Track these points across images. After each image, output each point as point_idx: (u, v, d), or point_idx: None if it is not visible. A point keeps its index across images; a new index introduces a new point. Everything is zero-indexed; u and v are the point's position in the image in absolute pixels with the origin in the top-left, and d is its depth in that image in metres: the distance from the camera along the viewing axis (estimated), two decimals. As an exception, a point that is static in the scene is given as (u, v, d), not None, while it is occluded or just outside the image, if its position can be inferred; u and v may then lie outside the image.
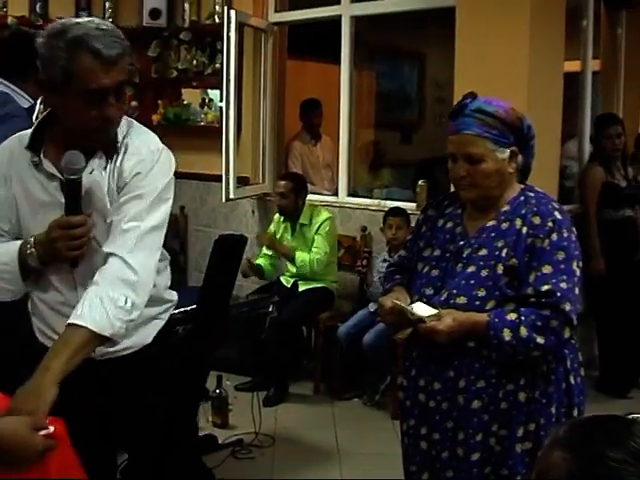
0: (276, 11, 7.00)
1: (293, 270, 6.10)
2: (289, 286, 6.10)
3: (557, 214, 2.60)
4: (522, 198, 2.66)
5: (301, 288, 6.05)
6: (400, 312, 2.63)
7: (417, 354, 2.75)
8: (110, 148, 2.39)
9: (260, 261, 6.15)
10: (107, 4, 7.33)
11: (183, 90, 7.54)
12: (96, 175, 2.38)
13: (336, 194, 6.79)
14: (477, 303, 2.57)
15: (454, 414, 2.63)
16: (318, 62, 8.87)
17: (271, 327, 5.66)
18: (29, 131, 2.48)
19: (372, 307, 5.63)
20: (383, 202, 6.37)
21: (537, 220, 2.58)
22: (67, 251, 2.33)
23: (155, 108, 7.45)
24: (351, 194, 6.72)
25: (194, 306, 3.68)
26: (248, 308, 5.28)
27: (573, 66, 6.39)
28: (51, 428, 1.95)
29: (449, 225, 2.76)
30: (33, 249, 2.35)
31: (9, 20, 6.46)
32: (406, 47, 9.85)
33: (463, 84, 5.23)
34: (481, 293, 2.57)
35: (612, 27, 7.04)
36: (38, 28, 6.31)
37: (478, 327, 2.53)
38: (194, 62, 7.26)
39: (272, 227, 6.29)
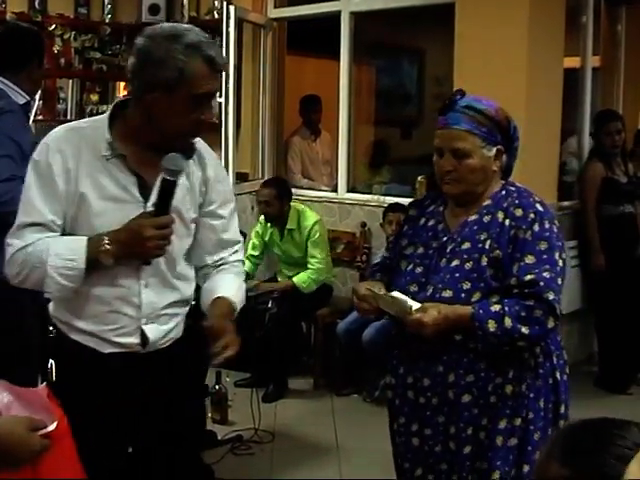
0: (275, 7, 7.00)
1: (288, 272, 6.10)
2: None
3: (538, 206, 2.61)
4: (503, 192, 2.69)
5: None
6: (375, 298, 2.66)
7: (405, 352, 2.75)
8: (188, 150, 2.49)
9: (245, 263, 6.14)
10: (106, 0, 7.33)
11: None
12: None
13: (335, 190, 6.79)
14: (463, 296, 2.57)
15: (445, 409, 2.64)
16: (317, 58, 8.86)
17: (270, 323, 5.66)
18: (91, 123, 2.51)
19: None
20: (382, 198, 6.37)
21: (519, 212, 2.59)
22: (156, 250, 2.40)
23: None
24: (350, 190, 6.72)
25: (193, 302, 3.67)
26: (247, 304, 5.26)
27: (573, 62, 6.39)
28: (49, 427, 1.93)
29: (431, 223, 2.77)
30: (109, 246, 2.35)
31: (8, 16, 6.46)
32: (405, 43, 9.82)
33: (462, 80, 5.24)
34: (466, 286, 2.58)
35: (612, 23, 7.04)
36: (37, 24, 6.34)
37: (463, 319, 2.53)
38: (193, 58, 7.25)
39: (258, 229, 6.26)
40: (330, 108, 7.14)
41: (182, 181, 2.46)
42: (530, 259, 2.53)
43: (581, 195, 6.09)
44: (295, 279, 5.94)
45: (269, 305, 5.67)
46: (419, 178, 6.05)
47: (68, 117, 7.16)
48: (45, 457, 1.91)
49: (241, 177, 6.68)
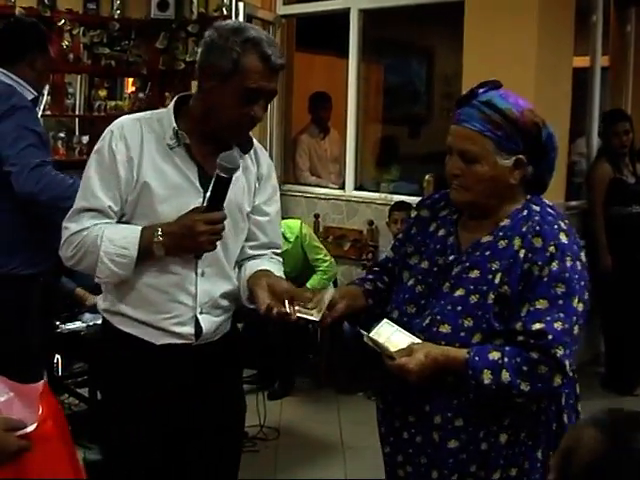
0: (284, 4, 7.00)
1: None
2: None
3: (562, 237, 2.21)
4: (525, 212, 2.29)
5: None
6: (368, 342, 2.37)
7: (393, 379, 2.35)
8: (244, 144, 2.55)
9: None
10: (115, -5, 7.35)
11: (191, 82, 7.53)
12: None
13: (343, 188, 6.78)
14: (462, 334, 2.22)
15: (428, 451, 2.31)
16: (326, 56, 8.86)
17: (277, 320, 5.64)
18: (155, 114, 2.57)
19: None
20: (390, 196, 6.36)
21: (538, 242, 2.20)
22: (208, 245, 2.43)
23: (163, 100, 7.43)
24: (358, 188, 6.72)
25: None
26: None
27: (582, 62, 6.38)
28: (29, 428, 1.88)
29: (441, 233, 2.41)
30: (162, 238, 2.40)
31: (17, 11, 6.46)
32: (414, 41, 9.82)
33: (471, 79, 5.21)
34: (468, 323, 2.22)
35: (621, 24, 7.03)
36: (46, 19, 6.35)
37: (455, 363, 2.18)
38: (202, 55, 7.23)
39: None
40: (338, 106, 7.13)
41: (240, 176, 2.52)
42: (542, 304, 2.15)
43: (589, 195, 6.08)
44: (308, 285, 5.88)
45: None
46: (427, 177, 6.04)
47: (76, 112, 7.18)
48: (29, 458, 1.87)
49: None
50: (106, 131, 2.51)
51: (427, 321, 2.29)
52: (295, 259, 5.88)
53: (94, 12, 7.28)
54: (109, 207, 2.45)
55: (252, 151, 2.63)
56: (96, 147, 2.51)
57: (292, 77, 7.22)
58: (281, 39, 6.92)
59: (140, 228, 2.43)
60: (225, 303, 2.62)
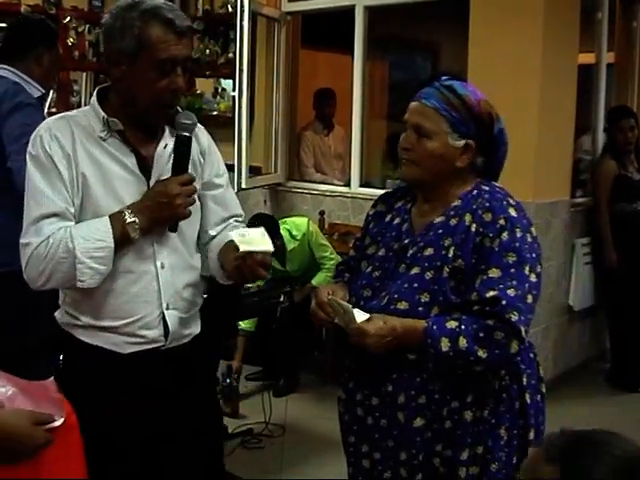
0: (289, 0, 6.99)
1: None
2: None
3: (511, 211, 2.30)
4: (475, 192, 2.38)
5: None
6: (333, 307, 2.35)
7: (354, 365, 2.48)
8: (170, 123, 2.44)
9: None
10: (121, -7, 7.34)
11: (196, 79, 7.54)
12: (170, 149, 2.44)
13: (348, 185, 6.78)
14: (420, 309, 2.28)
15: (394, 432, 2.36)
16: (331, 52, 8.86)
17: (282, 317, 5.65)
18: (80, 111, 2.48)
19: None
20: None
21: (488, 217, 2.28)
22: (183, 209, 2.37)
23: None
24: (363, 185, 6.71)
25: (205, 295, 3.68)
26: (259, 298, 5.28)
27: (587, 58, 6.37)
28: (56, 423, 1.90)
29: (396, 221, 2.49)
30: (134, 217, 2.30)
31: (22, 8, 6.47)
32: (419, 38, 9.81)
33: (476, 75, 5.22)
34: (425, 298, 2.28)
35: (627, 20, 7.01)
36: (51, 17, 6.35)
37: (414, 334, 2.24)
38: (207, 51, 7.26)
39: None
40: (343, 103, 7.13)
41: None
42: (495, 273, 2.22)
43: (594, 192, 6.09)
44: (314, 282, 5.86)
45: (281, 299, 5.66)
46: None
47: (82, 109, 7.18)
48: (48, 451, 1.89)
49: (254, 171, 6.68)
50: (35, 136, 2.39)
51: (385, 301, 2.34)
52: (302, 256, 5.88)
53: (99, 9, 7.29)
54: (66, 208, 2.32)
55: None
56: (30, 154, 2.38)
57: (297, 74, 7.21)
58: (286, 36, 6.93)
59: (107, 217, 2.31)
60: (189, 295, 2.53)
